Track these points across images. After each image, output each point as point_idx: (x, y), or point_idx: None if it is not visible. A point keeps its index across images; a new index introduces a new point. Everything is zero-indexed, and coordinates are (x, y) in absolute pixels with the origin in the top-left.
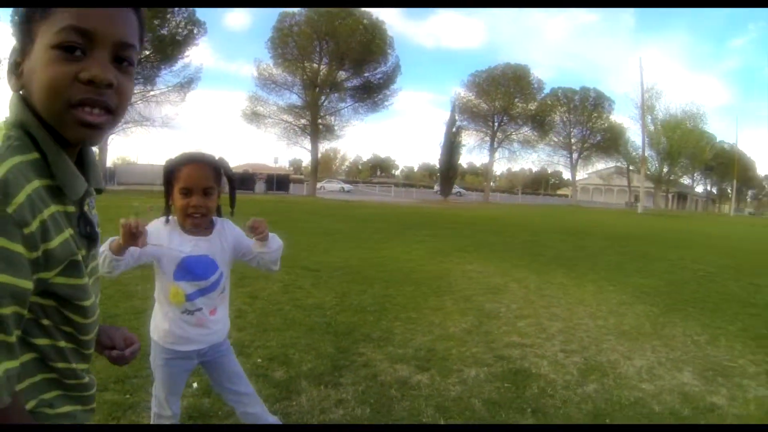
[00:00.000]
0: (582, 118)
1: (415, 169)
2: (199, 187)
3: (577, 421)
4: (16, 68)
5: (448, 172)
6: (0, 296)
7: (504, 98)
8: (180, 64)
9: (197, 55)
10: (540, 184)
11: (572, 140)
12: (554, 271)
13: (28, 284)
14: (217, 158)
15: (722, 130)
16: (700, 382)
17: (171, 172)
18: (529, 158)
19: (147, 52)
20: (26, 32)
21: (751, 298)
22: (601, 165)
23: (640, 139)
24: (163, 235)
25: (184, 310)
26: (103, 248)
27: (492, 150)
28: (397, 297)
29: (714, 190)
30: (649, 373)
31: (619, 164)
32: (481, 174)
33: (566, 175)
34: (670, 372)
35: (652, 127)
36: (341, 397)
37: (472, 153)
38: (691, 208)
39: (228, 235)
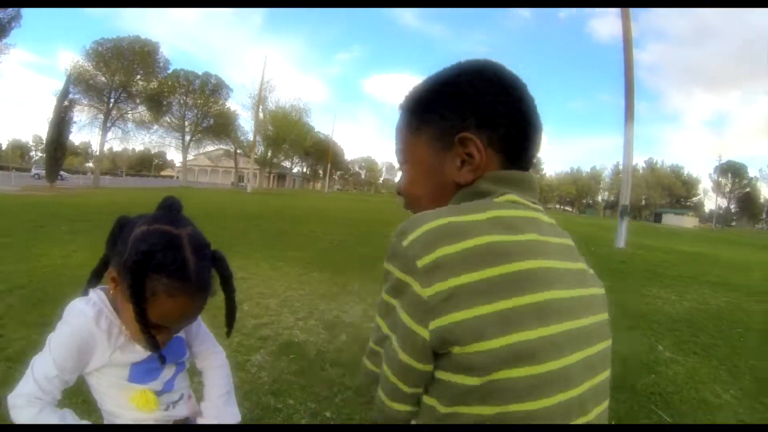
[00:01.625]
0: (199, 101)
1: (3, 147)
2: (183, 326)
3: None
4: None
5: (56, 152)
6: None
7: (126, 73)
8: None
9: None
10: (144, 164)
11: (186, 122)
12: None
13: None
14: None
15: (321, 123)
16: None
17: (139, 277)
18: (142, 139)
19: None
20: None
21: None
22: (211, 147)
23: (250, 125)
24: (101, 350)
25: (166, 408)
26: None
27: (105, 129)
28: None
29: (307, 171)
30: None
31: (228, 147)
32: (81, 154)
33: (170, 156)
34: None
35: (261, 116)
36: None
37: (83, 131)
38: (290, 186)
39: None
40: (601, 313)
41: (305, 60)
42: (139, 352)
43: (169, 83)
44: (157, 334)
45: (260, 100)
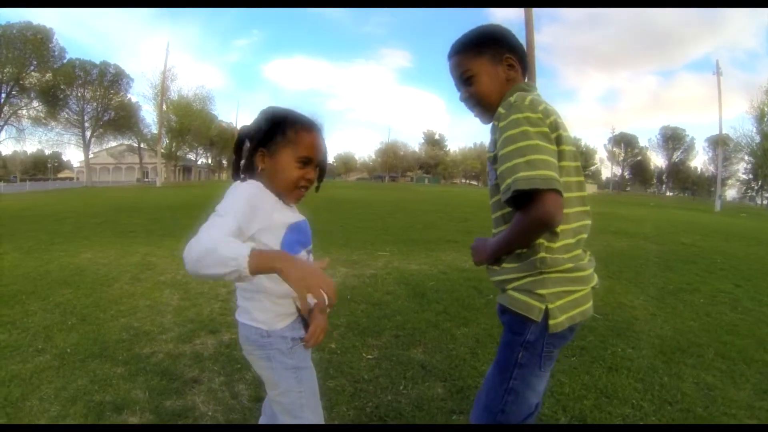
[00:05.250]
0: (98, 94)
1: None
2: (318, 161)
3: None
4: None
5: None
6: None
7: (18, 64)
8: None
9: None
10: (38, 168)
11: (85, 117)
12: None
13: None
14: None
15: (224, 112)
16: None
17: (283, 131)
18: (39, 138)
19: None
20: None
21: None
22: (113, 143)
23: (152, 117)
24: (269, 202)
25: None
26: (239, 252)
27: None
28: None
29: (210, 162)
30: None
31: (130, 142)
32: None
33: (67, 156)
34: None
35: (164, 107)
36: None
37: None
38: (196, 178)
39: None
40: None
41: (201, 47)
42: (294, 214)
43: (65, 74)
44: (306, 169)
45: (163, 89)
